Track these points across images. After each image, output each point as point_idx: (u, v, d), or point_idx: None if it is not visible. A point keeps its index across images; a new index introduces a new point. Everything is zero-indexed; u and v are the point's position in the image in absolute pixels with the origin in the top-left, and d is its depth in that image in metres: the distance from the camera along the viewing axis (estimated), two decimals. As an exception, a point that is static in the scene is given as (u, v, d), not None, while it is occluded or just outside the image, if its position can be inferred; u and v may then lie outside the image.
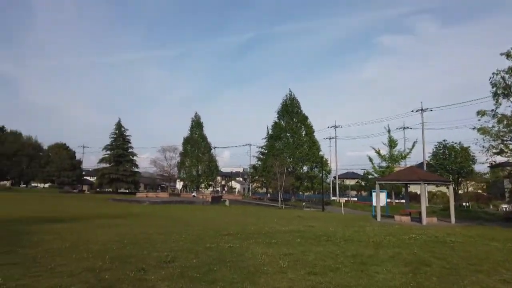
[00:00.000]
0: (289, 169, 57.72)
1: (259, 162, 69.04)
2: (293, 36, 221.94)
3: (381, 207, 28.74)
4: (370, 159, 57.64)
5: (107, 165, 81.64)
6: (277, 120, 66.82)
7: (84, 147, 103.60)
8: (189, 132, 79.80)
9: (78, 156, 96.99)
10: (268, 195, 69.28)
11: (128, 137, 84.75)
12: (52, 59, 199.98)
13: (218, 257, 8.90)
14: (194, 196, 65.25)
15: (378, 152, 56.43)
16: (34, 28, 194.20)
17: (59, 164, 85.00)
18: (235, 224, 18.34)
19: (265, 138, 68.63)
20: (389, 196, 50.34)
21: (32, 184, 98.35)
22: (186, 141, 78.85)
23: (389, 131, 56.71)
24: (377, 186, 28.32)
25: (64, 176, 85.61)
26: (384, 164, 55.55)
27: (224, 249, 10.20)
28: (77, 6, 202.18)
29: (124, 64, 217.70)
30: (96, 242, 10.82)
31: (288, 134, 65.04)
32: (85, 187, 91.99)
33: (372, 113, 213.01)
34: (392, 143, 55.89)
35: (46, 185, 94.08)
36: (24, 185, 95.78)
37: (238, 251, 10.02)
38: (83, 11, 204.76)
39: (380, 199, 28.78)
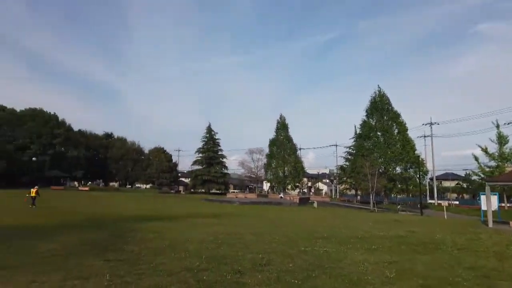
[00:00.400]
0: (380, 170, 54.48)
1: (347, 163, 66.55)
2: (377, 31, 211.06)
3: (492, 211, 25.20)
4: (476, 158, 51.47)
5: (200, 167, 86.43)
6: (365, 119, 63.72)
7: (179, 150, 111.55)
8: (275, 134, 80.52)
9: (174, 159, 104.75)
10: (358, 197, 66.35)
11: (217, 140, 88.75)
12: (150, 71, 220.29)
13: (315, 262, 8.34)
14: (281, 197, 65.41)
15: (485, 150, 50.10)
16: (132, 44, 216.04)
17: (158, 167, 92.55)
18: (327, 227, 17.54)
19: (352, 137, 66.01)
20: (500, 199, 44.38)
21: (136, 185, 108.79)
22: (272, 142, 79.67)
23: (497, 126, 50.09)
24: (487, 188, 24.92)
25: (162, 178, 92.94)
26: (492, 163, 49.18)
27: (320, 254, 9.59)
28: (172, 22, 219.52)
29: (213, 70, 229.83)
30: (192, 241, 11.07)
31: (379, 133, 61.54)
32: (180, 188, 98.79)
33: (468, 109, 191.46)
34: (502, 140, 49.21)
35: (148, 186, 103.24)
36: (130, 186, 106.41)
37: (335, 256, 9.34)
38: (177, 26, 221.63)
39: (491, 202, 25.25)
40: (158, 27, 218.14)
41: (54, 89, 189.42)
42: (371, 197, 47.28)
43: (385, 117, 61.61)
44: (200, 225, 16.30)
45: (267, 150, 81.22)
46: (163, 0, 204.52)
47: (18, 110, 77.54)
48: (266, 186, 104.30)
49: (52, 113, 79.93)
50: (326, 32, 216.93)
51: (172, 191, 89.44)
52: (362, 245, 11.45)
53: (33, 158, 70.90)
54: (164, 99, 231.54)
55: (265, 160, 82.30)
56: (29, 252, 8.42)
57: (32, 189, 26.78)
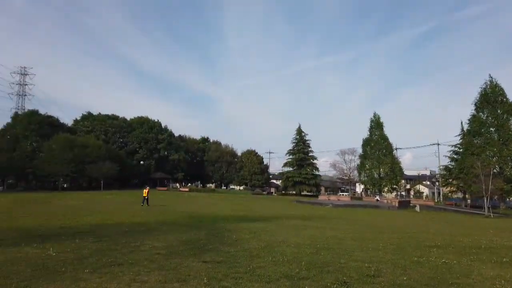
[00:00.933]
0: (494, 170, 47.68)
1: (453, 163, 59.81)
2: (475, 20, 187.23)
3: None
4: None
5: (291, 169, 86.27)
6: (475, 113, 56.55)
7: (270, 152, 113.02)
8: (368, 133, 76.35)
9: (265, 161, 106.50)
10: (468, 201, 59.13)
11: (308, 142, 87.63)
12: (242, 77, 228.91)
13: (435, 276, 7.05)
14: (377, 200, 61.62)
15: None
16: (225, 53, 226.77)
17: (251, 169, 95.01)
18: (438, 234, 15.48)
19: (459, 134, 59.14)
20: None
21: (231, 187, 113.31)
22: (366, 142, 75.68)
23: None
24: None
25: (254, 180, 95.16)
26: None
27: (439, 266, 8.19)
28: (261, 29, 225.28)
29: (303, 73, 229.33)
30: (289, 244, 10.51)
31: (492, 129, 54.17)
32: (272, 189, 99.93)
33: None
34: None
35: (241, 188, 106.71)
36: (225, 187, 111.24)
37: (458, 269, 7.86)
38: (266, 32, 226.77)
39: None
40: (248, 34, 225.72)
41: (157, 99, 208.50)
42: (485, 201, 41.54)
43: (498, 111, 53.92)
44: (295, 227, 15.70)
45: (360, 151, 77.56)
46: (252, 8, 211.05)
47: (128, 118, 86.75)
48: (359, 188, 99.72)
49: (156, 120, 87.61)
50: (421, 24, 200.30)
51: (264, 192, 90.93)
52: (489, 257, 9.62)
53: (141, 162, 78.44)
54: (255, 104, 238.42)
55: (358, 161, 78.68)
56: (134, 250, 8.71)
57: (144, 190, 29.51)
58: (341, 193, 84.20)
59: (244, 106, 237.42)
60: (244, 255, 8.48)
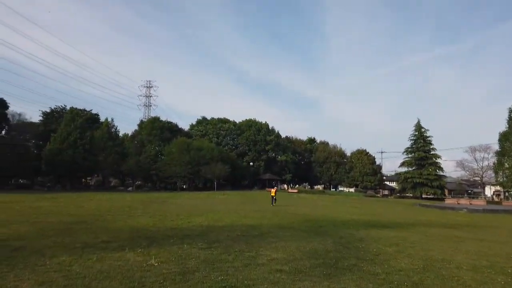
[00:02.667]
0: None
1: None
2: None
3: None
4: None
5: (409, 169, 78.09)
6: None
7: (382, 152, 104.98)
8: (507, 126, 64.18)
9: (376, 161, 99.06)
10: None
11: (429, 139, 78.13)
12: (345, 76, 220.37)
13: None
14: (524, 205, 50.91)
15: None
16: (330, 53, 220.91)
17: (362, 169, 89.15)
18: None
19: None
20: None
21: (339, 188, 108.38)
22: (504, 136, 63.74)
23: None
24: None
25: (366, 181, 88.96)
26: None
27: None
28: (363, 27, 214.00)
29: (411, 67, 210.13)
30: (458, 265, 7.45)
31: None
32: (385, 192, 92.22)
33: None
34: None
35: (351, 189, 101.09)
36: (333, 189, 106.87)
37: None
38: (368, 28, 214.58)
39: None
40: (351, 31, 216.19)
41: (262, 102, 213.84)
42: None
43: None
44: (446, 238, 12.19)
45: (496, 147, 65.89)
46: (353, 3, 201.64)
47: (237, 121, 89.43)
48: (489, 191, 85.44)
49: (263, 122, 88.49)
50: None
51: (378, 194, 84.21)
52: None
53: (251, 163, 79.76)
54: (361, 102, 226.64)
55: (494, 159, 66.96)
56: (249, 264, 6.84)
57: (272, 189, 29.06)
58: (472, 196, 72.95)
59: (349, 105, 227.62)
60: (402, 281, 5.84)
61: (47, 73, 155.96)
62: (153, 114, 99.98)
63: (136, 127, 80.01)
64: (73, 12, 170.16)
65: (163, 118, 78.17)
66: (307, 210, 25.03)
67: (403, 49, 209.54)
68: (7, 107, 59.41)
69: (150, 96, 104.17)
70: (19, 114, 64.50)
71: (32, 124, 64.70)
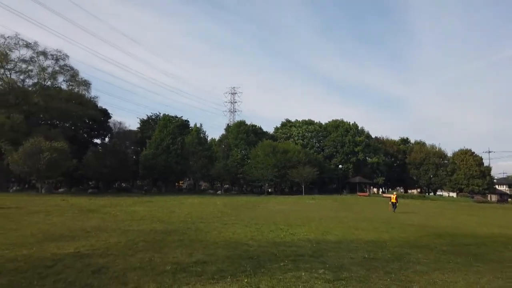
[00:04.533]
0: None
1: None
2: None
3: None
4: None
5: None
6: None
7: (489, 152, 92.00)
8: None
9: (484, 162, 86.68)
10: None
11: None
12: (436, 73, 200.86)
13: None
14: None
15: None
16: (420, 51, 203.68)
17: (467, 172, 78.71)
18: None
19: None
20: None
21: (438, 193, 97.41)
22: None
23: None
24: None
25: (473, 184, 78.22)
26: None
27: None
28: (456, 19, 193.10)
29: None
30: None
31: None
32: (494, 197, 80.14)
33: None
34: None
35: (452, 194, 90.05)
36: (431, 193, 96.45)
37: None
38: (464, 22, 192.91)
39: None
40: (441, 25, 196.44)
41: (347, 102, 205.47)
42: None
43: None
44: None
45: None
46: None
47: (323, 122, 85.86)
48: None
49: (352, 122, 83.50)
50: None
51: (489, 200, 73.35)
52: None
53: (339, 166, 75.55)
54: (459, 99, 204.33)
55: None
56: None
57: (392, 195, 27.05)
58: None
59: (445, 103, 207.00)
60: None
61: (143, 84, 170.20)
62: (237, 119, 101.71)
63: (222, 132, 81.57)
64: (164, 27, 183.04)
65: (248, 122, 78.33)
66: (422, 219, 21.20)
67: (502, 41, 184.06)
68: (110, 116, 64.75)
69: (235, 102, 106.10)
70: (120, 123, 69.92)
71: (130, 131, 69.58)
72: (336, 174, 77.41)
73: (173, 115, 69.65)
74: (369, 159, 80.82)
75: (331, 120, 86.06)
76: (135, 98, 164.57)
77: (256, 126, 78.52)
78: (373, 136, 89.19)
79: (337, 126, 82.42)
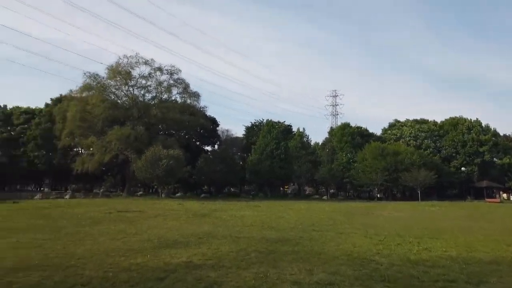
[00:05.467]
0: None
1: None
2: None
3: None
4: None
5: None
6: None
7: None
8: None
9: None
10: None
11: None
12: None
13: None
14: None
15: None
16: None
17: None
18: None
19: None
20: None
21: None
22: None
23: None
24: None
25: None
26: None
27: None
28: None
29: None
30: None
31: None
32: None
33: None
34: None
35: None
36: None
37: None
38: None
39: None
40: None
41: (468, 97, 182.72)
42: None
43: None
44: None
45: None
46: None
47: (438, 121, 77.38)
48: None
49: (474, 119, 73.40)
50: None
51: None
52: None
53: (462, 168, 66.88)
54: None
55: None
56: None
57: None
58: None
59: None
60: None
61: (246, 92, 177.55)
62: (340, 122, 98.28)
63: (326, 136, 79.44)
64: (260, 36, 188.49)
65: (352, 125, 74.76)
66: None
67: None
68: (218, 125, 68.47)
69: (337, 105, 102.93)
70: (227, 130, 73.53)
71: (237, 138, 72.71)
72: (457, 178, 68.56)
73: (276, 121, 70.41)
74: (497, 160, 69.85)
75: (448, 118, 77.03)
76: (239, 106, 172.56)
77: (361, 127, 74.53)
78: (501, 134, 76.91)
79: (456, 124, 73.25)
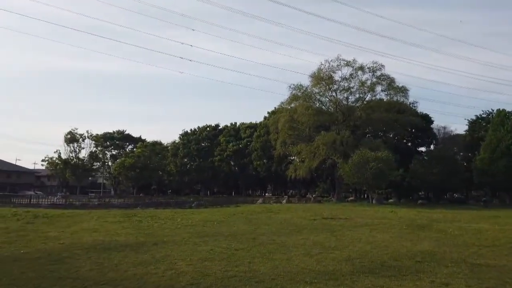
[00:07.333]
0: None
1: None
2: None
3: None
4: None
5: None
6: None
7: None
8: None
9: None
10: None
11: None
12: None
13: None
14: None
15: None
16: None
17: None
18: None
19: None
20: None
21: None
22: None
23: None
24: None
25: None
26: None
27: None
28: None
29: None
30: None
31: None
32: None
33: None
34: None
35: None
36: None
37: None
38: None
39: None
40: None
41: None
42: None
43: None
44: None
45: None
46: None
47: None
48: None
49: None
50: None
51: None
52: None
53: None
54: None
55: None
56: None
57: None
58: None
59: None
60: None
61: (464, 83, 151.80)
62: None
63: None
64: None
65: None
66: None
67: None
68: (431, 122, 59.94)
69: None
70: (444, 128, 63.69)
71: (457, 136, 61.98)
72: None
73: (510, 110, 55.58)
74: None
75: None
76: (457, 100, 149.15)
77: None
78: None
79: None
